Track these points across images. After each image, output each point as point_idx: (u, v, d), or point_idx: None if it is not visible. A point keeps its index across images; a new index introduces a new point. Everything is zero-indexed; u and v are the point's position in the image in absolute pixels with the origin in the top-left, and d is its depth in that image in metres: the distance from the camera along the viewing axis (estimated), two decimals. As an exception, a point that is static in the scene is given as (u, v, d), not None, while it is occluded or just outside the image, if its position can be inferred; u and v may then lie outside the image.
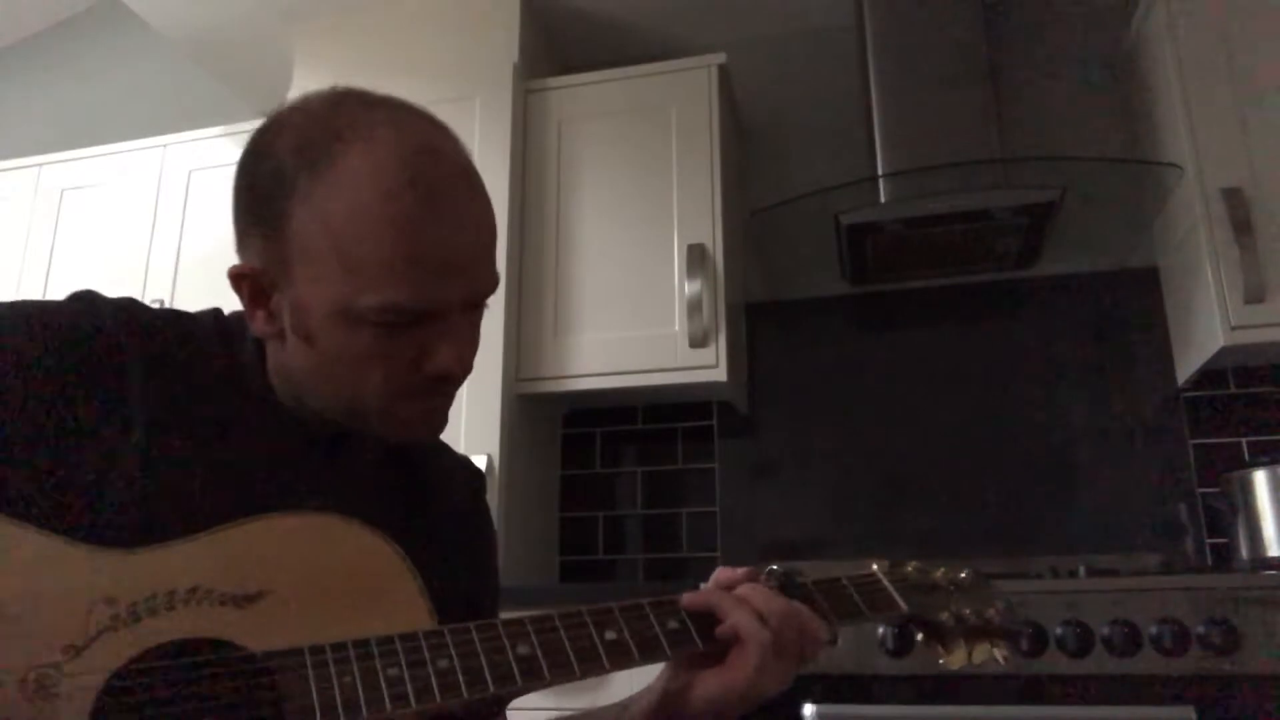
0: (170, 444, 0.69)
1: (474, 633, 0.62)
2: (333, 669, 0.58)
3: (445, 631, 0.62)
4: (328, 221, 0.67)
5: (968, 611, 0.79)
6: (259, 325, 0.73)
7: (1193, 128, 1.97)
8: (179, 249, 2.52)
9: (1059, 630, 1.47)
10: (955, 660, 0.78)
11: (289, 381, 0.75)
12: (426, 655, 0.60)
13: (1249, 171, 1.91)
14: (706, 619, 0.70)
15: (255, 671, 0.58)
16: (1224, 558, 2.01)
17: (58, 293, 2.89)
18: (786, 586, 0.75)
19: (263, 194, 0.70)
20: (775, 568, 0.76)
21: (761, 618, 0.69)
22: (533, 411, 2.31)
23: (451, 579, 0.78)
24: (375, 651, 0.59)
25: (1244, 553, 1.84)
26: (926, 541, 2.21)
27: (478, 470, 0.96)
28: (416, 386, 0.72)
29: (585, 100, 2.37)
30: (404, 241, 0.67)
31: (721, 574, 0.76)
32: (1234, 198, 1.89)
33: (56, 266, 2.62)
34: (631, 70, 2.36)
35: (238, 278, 0.73)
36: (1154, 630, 1.45)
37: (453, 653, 0.61)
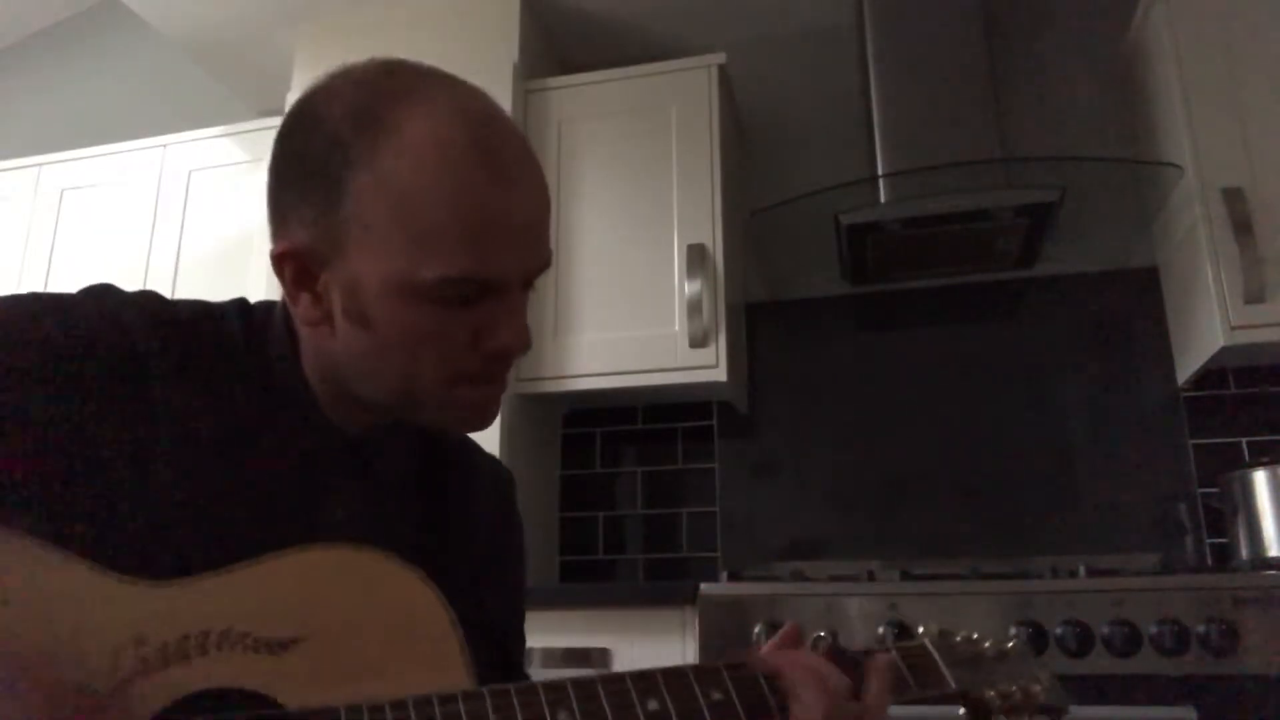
0: (198, 459, 0.65)
1: (514, 696, 0.59)
2: None
3: (486, 694, 0.58)
4: (391, 189, 0.63)
5: (1014, 688, 0.77)
6: (303, 310, 0.68)
7: (1193, 128, 1.97)
8: (179, 249, 2.52)
9: (1059, 630, 1.47)
10: None
11: (332, 372, 0.71)
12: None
13: (1249, 171, 1.91)
14: (754, 689, 0.66)
15: None
16: (1224, 558, 2.01)
17: (58, 293, 2.83)
18: (839, 659, 0.71)
19: (316, 164, 0.65)
20: (823, 635, 0.73)
21: (827, 692, 0.65)
22: (533, 411, 2.31)
23: (482, 589, 0.77)
24: (413, 713, 0.56)
25: (1244, 553, 1.84)
26: (926, 541, 2.21)
27: (508, 473, 0.93)
28: (473, 369, 0.68)
29: (585, 100, 2.37)
30: (472, 209, 0.64)
31: (789, 633, 0.73)
32: (1234, 198, 1.89)
33: (56, 266, 2.62)
34: (631, 70, 2.36)
35: (282, 258, 0.68)
36: (1154, 630, 1.45)
37: (491, 718, 0.57)
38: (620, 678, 0.63)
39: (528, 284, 0.70)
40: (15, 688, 0.47)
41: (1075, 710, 1.44)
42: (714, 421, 2.45)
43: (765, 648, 0.71)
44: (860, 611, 1.56)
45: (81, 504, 0.59)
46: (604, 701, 0.61)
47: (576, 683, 0.61)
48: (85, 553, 0.54)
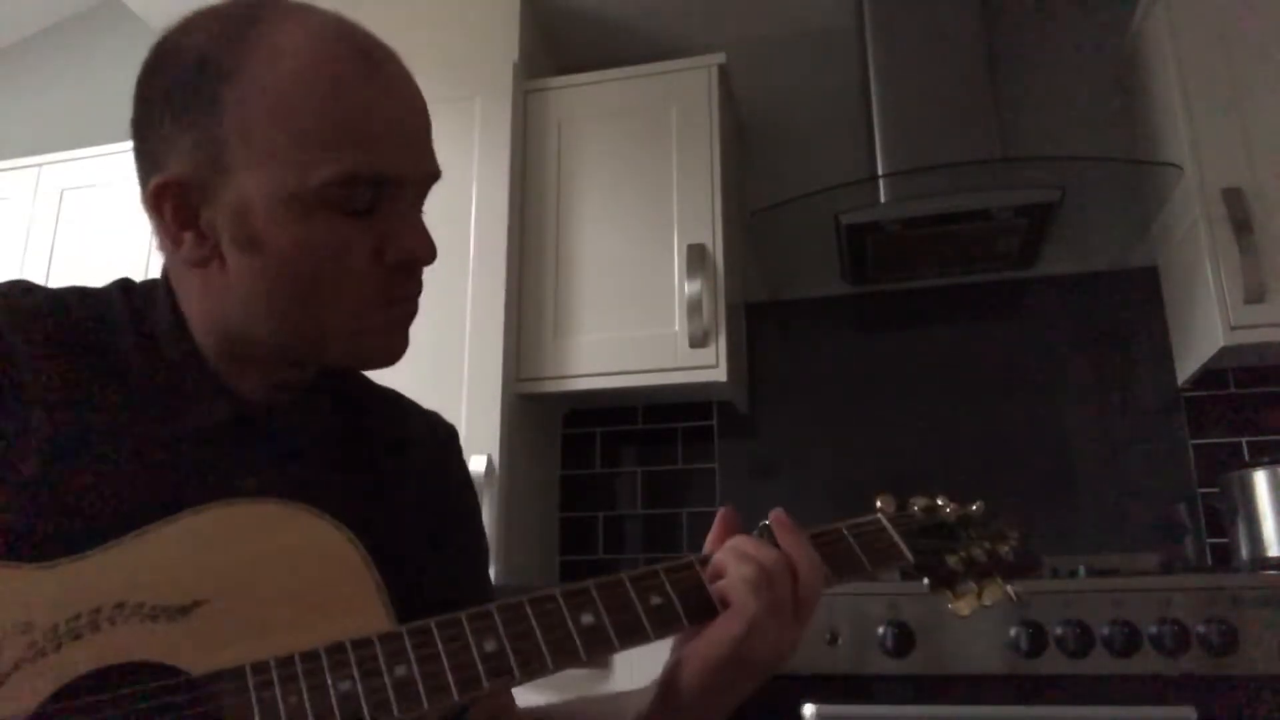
0: (79, 435, 0.61)
1: (435, 631, 0.55)
2: (278, 689, 0.52)
3: (404, 633, 0.55)
4: (268, 92, 0.60)
5: (978, 551, 0.74)
6: (187, 251, 0.64)
7: (1193, 128, 1.97)
8: (179, 249, 2.52)
9: (1059, 630, 1.47)
10: (965, 606, 0.73)
11: (228, 328, 0.66)
12: (383, 663, 0.53)
13: (1249, 171, 1.91)
14: (697, 588, 0.65)
15: (194, 700, 0.51)
16: (1224, 558, 2.01)
17: (58, 293, 2.83)
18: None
19: (185, 89, 0.62)
20: (767, 524, 0.72)
21: (748, 559, 0.65)
22: (533, 411, 2.31)
23: (415, 559, 0.72)
24: (325, 664, 0.53)
25: (1244, 553, 1.84)
26: (926, 541, 2.21)
27: (449, 426, 0.86)
28: (381, 286, 0.65)
29: (585, 100, 2.37)
30: (353, 103, 0.62)
31: (726, 516, 0.72)
32: (1234, 198, 1.89)
33: (56, 266, 2.62)
34: (631, 70, 2.36)
35: (160, 193, 0.63)
36: (1154, 630, 1.45)
37: (411, 657, 0.54)
38: (551, 595, 0.60)
39: (421, 193, 0.68)
40: None
41: (1076, 710, 1.45)
42: (714, 421, 2.45)
43: (707, 541, 0.71)
44: (860, 611, 1.56)
45: None
46: (533, 623, 0.58)
47: (504, 606, 0.58)
48: None
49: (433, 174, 0.68)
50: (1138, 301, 2.25)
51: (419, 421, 0.83)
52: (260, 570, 0.56)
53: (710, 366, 2.11)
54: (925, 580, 0.74)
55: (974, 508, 0.79)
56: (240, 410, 0.68)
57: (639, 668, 1.53)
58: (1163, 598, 1.47)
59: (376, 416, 0.79)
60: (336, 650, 0.53)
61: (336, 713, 0.52)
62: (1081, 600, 1.49)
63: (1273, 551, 1.78)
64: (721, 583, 0.65)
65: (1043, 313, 2.31)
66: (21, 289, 0.67)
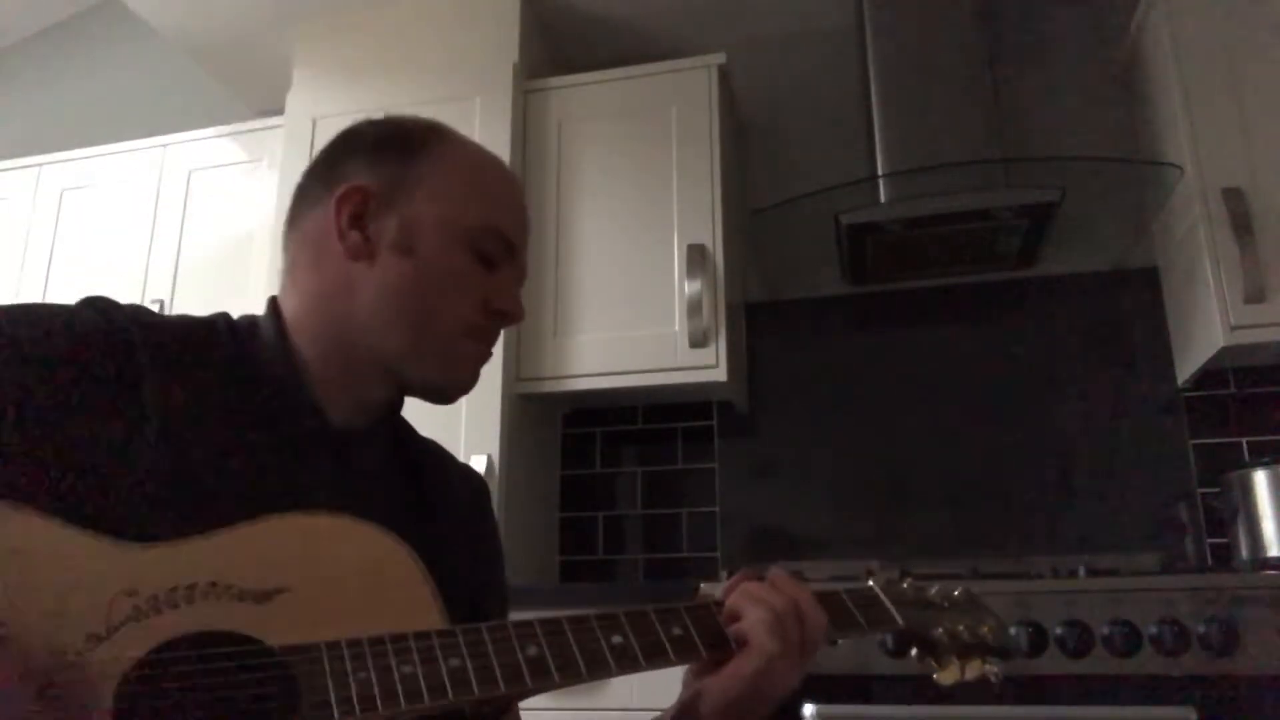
0: (186, 440, 0.71)
1: (485, 633, 0.64)
2: (349, 665, 0.59)
3: (458, 631, 0.63)
4: (459, 157, 0.85)
5: (961, 628, 0.81)
6: (349, 245, 0.80)
7: (1193, 128, 1.97)
8: (179, 249, 2.52)
9: (1059, 630, 1.47)
10: (948, 676, 0.81)
11: (346, 323, 0.80)
12: (439, 654, 0.61)
13: (1249, 171, 1.92)
14: (712, 626, 0.73)
15: (273, 665, 0.59)
16: (1224, 558, 2.01)
17: (58, 293, 2.88)
18: None
19: (389, 141, 0.84)
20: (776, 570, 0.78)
21: (774, 613, 0.73)
22: (533, 411, 2.31)
23: (457, 583, 0.78)
24: (390, 649, 0.61)
25: (1244, 553, 1.84)
26: (926, 541, 2.21)
27: (482, 479, 1.00)
28: (479, 323, 0.82)
29: (585, 100, 2.37)
30: (506, 191, 0.87)
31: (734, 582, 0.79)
32: (1234, 198, 1.89)
33: (56, 266, 2.62)
34: (631, 70, 2.36)
35: (349, 194, 0.81)
36: (1154, 630, 1.45)
37: (464, 652, 0.62)
38: (585, 618, 0.69)
39: (519, 277, 0.88)
40: None
41: (1076, 710, 1.45)
42: (714, 421, 2.45)
43: (721, 591, 0.78)
44: (860, 611, 1.56)
45: (79, 483, 0.65)
46: (570, 637, 0.66)
47: (544, 621, 0.67)
48: (84, 523, 0.61)
49: (525, 270, 0.90)
50: (1138, 301, 2.25)
51: (457, 470, 0.96)
52: (334, 570, 0.65)
53: (710, 366, 2.11)
54: (913, 650, 0.82)
55: (956, 593, 0.86)
56: (324, 429, 0.80)
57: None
58: (1163, 598, 1.47)
59: (424, 460, 0.91)
60: (400, 639, 0.61)
61: (400, 689, 0.59)
62: (1081, 600, 1.49)
63: (1273, 551, 1.78)
64: (741, 625, 0.73)
65: (1043, 313, 2.31)
66: (148, 312, 0.78)
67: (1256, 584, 1.45)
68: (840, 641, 0.78)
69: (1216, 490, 2.01)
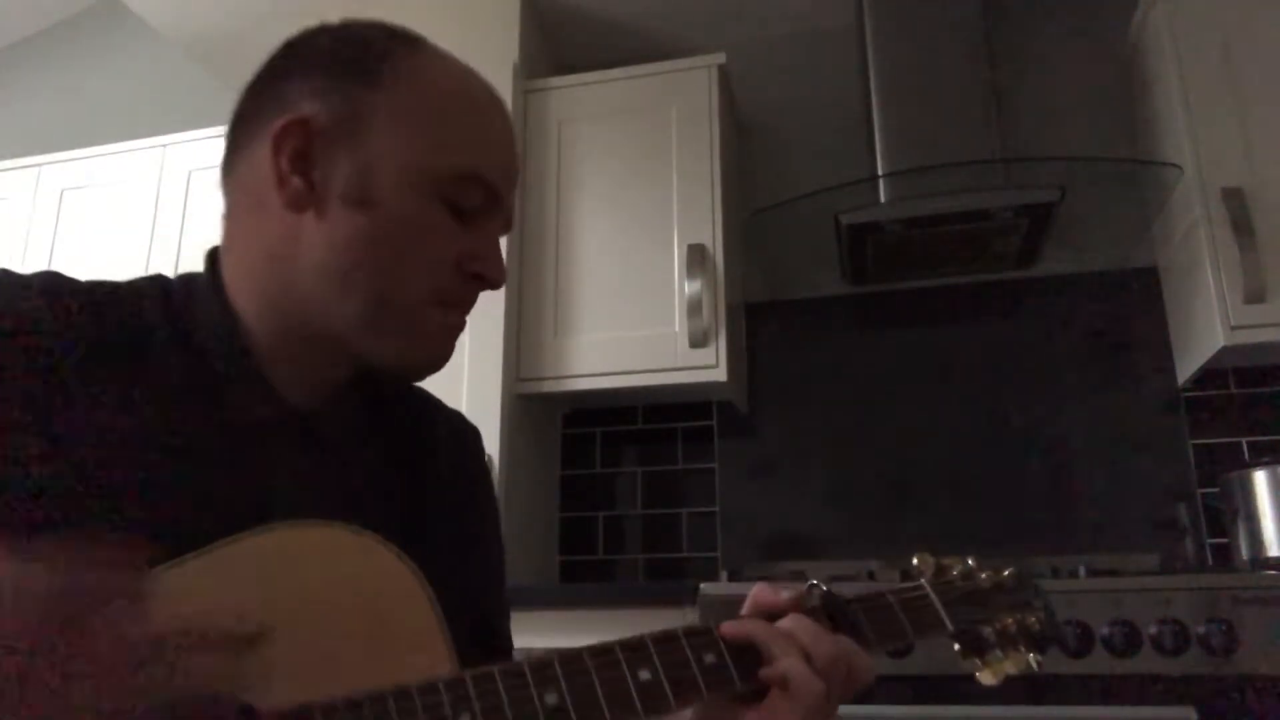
0: (119, 439, 0.59)
1: (499, 680, 0.55)
2: None
3: (468, 680, 0.54)
4: (426, 86, 0.68)
5: (1010, 622, 0.77)
6: (290, 194, 0.66)
7: (1193, 128, 1.97)
8: (179, 249, 2.52)
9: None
10: (991, 675, 0.75)
11: (291, 291, 0.67)
12: (448, 712, 0.53)
13: (1249, 171, 1.92)
14: (746, 652, 0.62)
15: None
16: (1224, 558, 2.01)
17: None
18: (832, 609, 0.67)
19: (349, 56, 0.68)
20: (816, 583, 0.69)
21: (810, 660, 0.61)
22: (533, 411, 2.31)
23: (456, 554, 0.74)
24: (393, 708, 0.52)
25: (1244, 553, 1.84)
26: (926, 541, 2.19)
27: (472, 427, 0.88)
28: (451, 288, 0.69)
29: (585, 100, 2.37)
30: (489, 126, 0.70)
31: (761, 594, 0.67)
32: (1234, 198, 1.89)
33: (56, 267, 2.62)
34: (631, 70, 2.36)
35: (288, 129, 0.65)
36: (1154, 630, 1.45)
37: (476, 707, 0.53)
38: (610, 649, 0.60)
39: (505, 224, 0.73)
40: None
41: (1076, 710, 1.45)
42: (714, 421, 2.45)
43: (746, 606, 0.68)
44: (860, 611, 1.56)
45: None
46: (594, 677, 0.58)
47: (565, 658, 0.57)
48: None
49: (512, 218, 0.75)
50: (1138, 301, 2.25)
51: (443, 422, 0.84)
52: (327, 600, 0.55)
53: (710, 366, 2.11)
54: (956, 646, 0.76)
55: (1006, 574, 0.80)
56: (282, 410, 0.68)
57: None
58: (1163, 598, 1.47)
59: (404, 417, 0.79)
60: (403, 696, 0.52)
61: None
62: (1081, 600, 1.49)
63: (1273, 551, 1.78)
64: (783, 667, 0.61)
65: (1043, 313, 2.31)
66: (62, 279, 0.67)
67: (1256, 584, 1.45)
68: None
69: (1216, 490, 2.01)
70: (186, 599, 0.51)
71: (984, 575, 0.79)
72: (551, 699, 0.56)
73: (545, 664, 0.57)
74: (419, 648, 0.57)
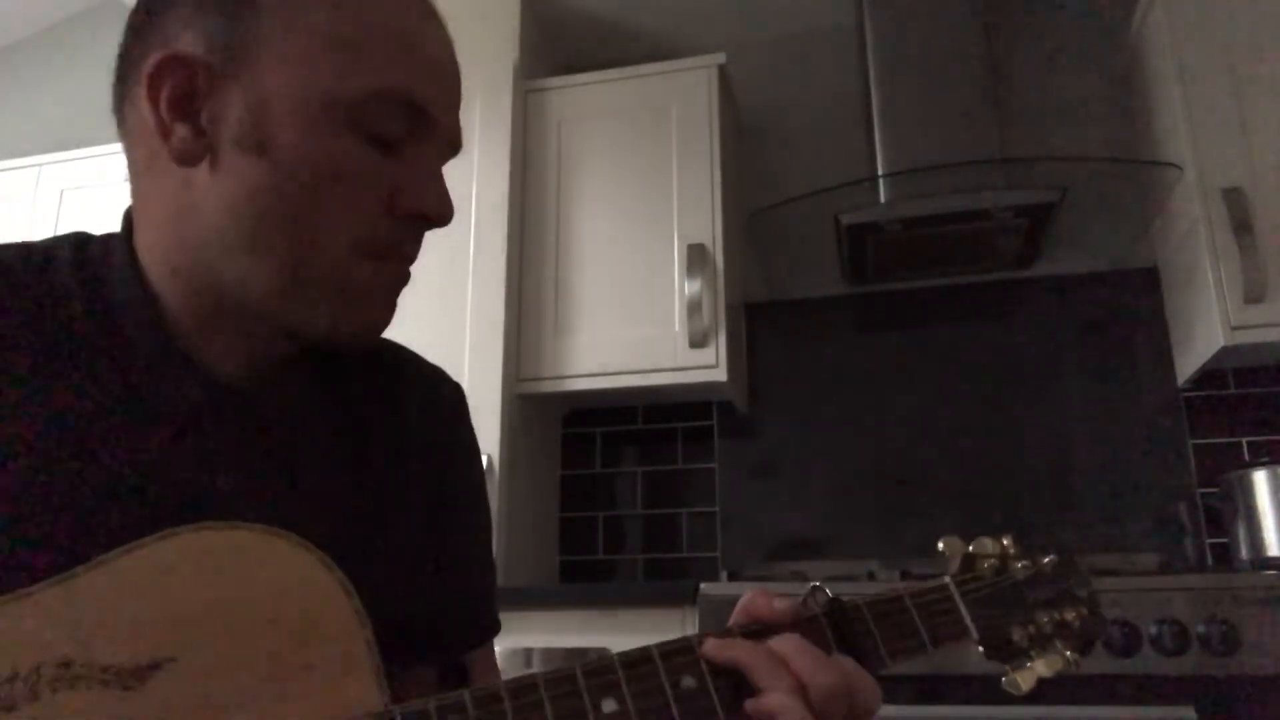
0: (20, 432, 0.51)
1: (434, 714, 0.46)
2: None
3: (397, 716, 0.46)
4: None
5: (1045, 620, 0.67)
6: (176, 144, 0.56)
7: (1193, 128, 1.97)
8: (179, 249, 2.52)
9: (1059, 630, 1.47)
10: (1022, 682, 0.67)
11: (195, 254, 0.57)
12: None
13: (1249, 171, 1.91)
14: (734, 674, 0.53)
15: None
16: (1224, 558, 2.01)
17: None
18: (837, 621, 0.58)
19: None
20: (819, 585, 0.59)
21: (806, 692, 0.52)
22: (533, 411, 2.31)
23: (423, 542, 0.66)
24: None
25: (1244, 553, 1.84)
26: (926, 541, 2.20)
27: (453, 387, 0.78)
28: (387, 235, 0.58)
29: (585, 100, 2.37)
30: (405, 28, 0.58)
31: (755, 603, 0.57)
32: (1234, 198, 1.89)
33: (56, 266, 2.62)
34: (631, 70, 2.36)
35: (161, 68, 0.55)
36: (1154, 630, 1.45)
37: None
38: (570, 675, 0.49)
39: (443, 153, 0.63)
40: None
41: (1076, 710, 1.45)
42: (714, 421, 2.45)
43: (735, 615, 0.59)
44: (860, 611, 1.55)
45: None
46: (547, 710, 0.48)
47: (514, 687, 0.48)
48: None
49: (457, 138, 0.63)
50: (1138, 301, 2.25)
51: (417, 383, 0.73)
52: (232, 621, 0.46)
53: (710, 366, 2.11)
54: (980, 649, 0.67)
55: (1045, 561, 0.70)
56: (211, 391, 0.58)
57: None
58: (1163, 598, 1.47)
59: (367, 384, 0.69)
60: None
61: None
62: (1081, 600, 1.49)
63: (1273, 551, 1.78)
64: (772, 703, 0.51)
65: (1043, 313, 2.31)
66: None
67: (1256, 584, 1.45)
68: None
69: (1216, 490, 2.01)
70: (67, 623, 0.43)
71: (1020, 565, 0.69)
72: None
73: (491, 696, 0.47)
74: (340, 675, 0.47)
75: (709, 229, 2.19)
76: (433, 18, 0.62)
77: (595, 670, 0.50)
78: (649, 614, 1.73)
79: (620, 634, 1.71)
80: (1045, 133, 2.35)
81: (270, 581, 0.47)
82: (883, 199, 2.14)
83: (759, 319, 2.49)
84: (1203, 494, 2.09)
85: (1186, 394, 2.16)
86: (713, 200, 2.21)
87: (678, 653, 0.52)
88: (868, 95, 2.26)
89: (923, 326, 2.37)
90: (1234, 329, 1.85)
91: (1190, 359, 2.08)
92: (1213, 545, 2.06)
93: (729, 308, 2.20)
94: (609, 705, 0.49)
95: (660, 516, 2.43)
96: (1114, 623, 1.46)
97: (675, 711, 0.51)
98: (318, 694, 0.46)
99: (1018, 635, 0.67)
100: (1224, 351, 1.89)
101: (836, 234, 2.18)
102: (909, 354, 2.36)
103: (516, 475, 2.17)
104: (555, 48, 2.67)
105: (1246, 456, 2.07)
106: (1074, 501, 2.16)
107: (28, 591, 0.43)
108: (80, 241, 0.61)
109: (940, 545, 0.70)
